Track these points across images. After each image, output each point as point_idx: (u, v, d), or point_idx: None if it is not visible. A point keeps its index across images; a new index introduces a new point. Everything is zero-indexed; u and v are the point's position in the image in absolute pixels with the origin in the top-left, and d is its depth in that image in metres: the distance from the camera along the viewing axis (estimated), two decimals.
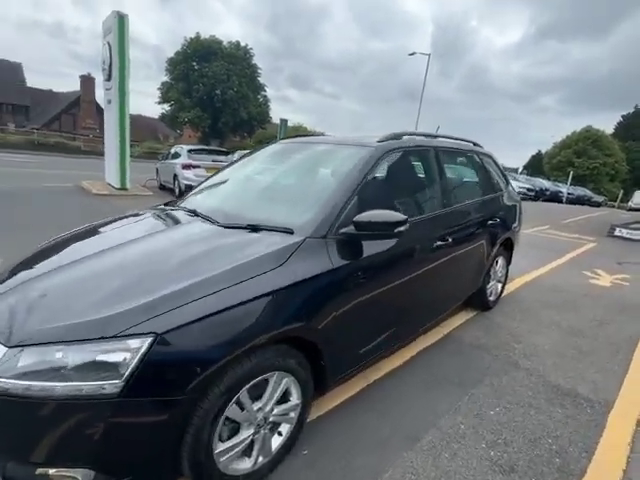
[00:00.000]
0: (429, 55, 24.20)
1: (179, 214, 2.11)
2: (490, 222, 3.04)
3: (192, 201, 2.39)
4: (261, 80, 42.24)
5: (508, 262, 3.68)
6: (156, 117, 42.34)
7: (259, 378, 1.44)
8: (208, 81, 37.51)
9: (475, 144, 3.40)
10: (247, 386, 1.40)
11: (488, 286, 3.38)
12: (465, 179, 3.19)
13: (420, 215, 2.27)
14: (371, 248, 1.84)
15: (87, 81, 34.98)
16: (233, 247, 1.63)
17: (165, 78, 39.49)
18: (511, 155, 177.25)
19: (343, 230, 1.74)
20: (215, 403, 1.30)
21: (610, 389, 2.38)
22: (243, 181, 2.53)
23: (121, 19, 9.76)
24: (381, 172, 2.19)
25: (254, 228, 1.75)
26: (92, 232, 2.11)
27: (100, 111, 38.88)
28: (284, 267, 1.52)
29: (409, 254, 2.12)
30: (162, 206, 2.44)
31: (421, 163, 2.51)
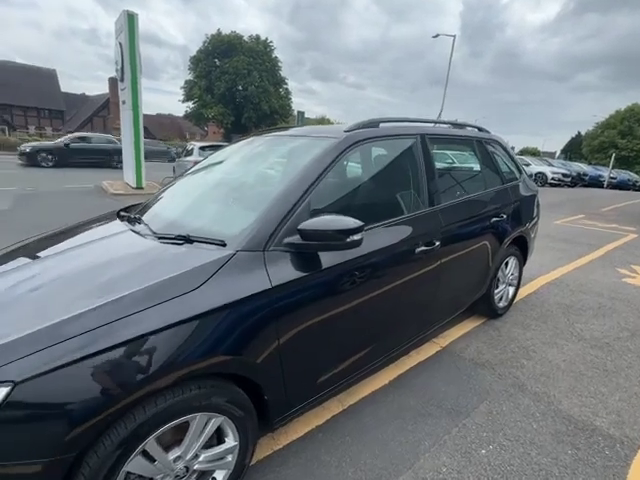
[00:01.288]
0: (454, 36, 23.25)
1: (117, 222, 1.90)
2: (496, 219, 2.63)
3: (148, 206, 2.18)
4: (282, 73, 42.08)
5: (522, 263, 3.24)
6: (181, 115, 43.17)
7: (172, 423, 1.20)
8: (229, 77, 37.78)
9: (480, 129, 2.97)
10: (155, 434, 1.16)
11: (496, 291, 2.98)
12: (463, 170, 2.79)
13: (397, 216, 1.93)
14: (330, 259, 1.55)
15: (115, 83, 35.97)
16: (151, 265, 1.38)
17: (189, 76, 40.20)
18: (550, 138, 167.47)
19: (288, 240, 1.46)
20: (107, 459, 1.07)
21: (638, 423, 1.96)
22: (195, 183, 2.28)
23: (131, 18, 9.76)
24: (347, 167, 1.88)
25: (186, 240, 1.50)
26: (44, 240, 1.94)
27: None
28: (204, 288, 1.26)
29: (381, 263, 1.80)
30: (121, 210, 2.24)
31: (403, 154, 2.16)
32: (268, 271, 1.39)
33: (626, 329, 2.97)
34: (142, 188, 9.92)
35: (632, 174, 24.98)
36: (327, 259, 1.54)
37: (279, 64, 41.69)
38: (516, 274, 3.19)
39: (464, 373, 2.36)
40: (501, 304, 3.09)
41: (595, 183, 21.26)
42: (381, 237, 1.79)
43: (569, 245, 5.65)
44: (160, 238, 1.56)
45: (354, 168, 2.01)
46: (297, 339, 1.48)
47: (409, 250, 1.93)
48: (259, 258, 1.40)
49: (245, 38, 39.61)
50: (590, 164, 30.59)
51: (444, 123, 2.72)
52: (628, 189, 21.70)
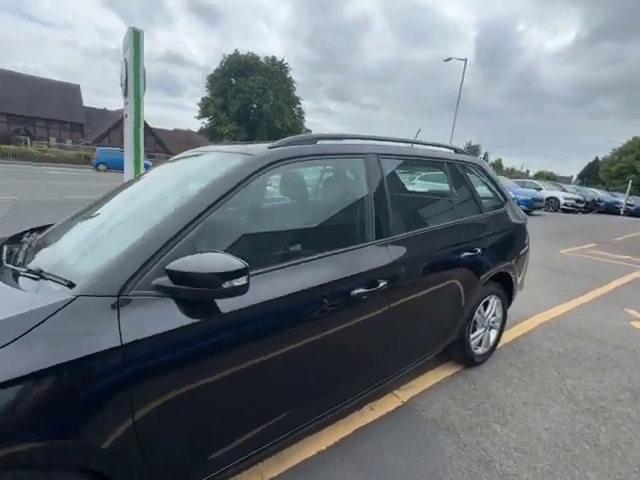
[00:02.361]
0: (465, 60, 23.50)
1: None
2: (468, 253, 2.26)
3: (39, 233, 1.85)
4: (296, 93, 42.98)
5: (507, 303, 2.83)
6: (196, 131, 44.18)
7: None
8: (244, 95, 38.73)
9: (457, 150, 2.64)
10: None
11: (473, 335, 2.57)
12: (429, 197, 2.44)
13: (327, 251, 1.59)
14: (227, 304, 1.22)
15: None
16: None
17: (206, 94, 41.39)
18: (566, 163, 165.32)
19: (157, 282, 1.14)
20: None
21: None
22: (91, 210, 1.90)
23: (136, 34, 9.85)
24: (266, 192, 1.56)
25: (41, 276, 1.19)
26: None
27: (146, 127, 41.47)
28: (18, 345, 0.94)
29: (298, 310, 1.45)
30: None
31: (344, 177, 1.84)
32: (121, 323, 1.06)
33: (628, 389, 2.49)
34: None
35: None
36: (224, 304, 1.22)
37: (293, 84, 42.66)
38: (499, 315, 2.78)
39: (421, 440, 1.95)
40: (480, 350, 2.67)
41: (611, 210, 20.45)
42: (301, 277, 1.45)
43: (573, 278, 5.16)
44: (19, 275, 1.26)
45: (276, 193, 1.69)
46: (164, 412, 1.13)
47: (341, 292, 1.58)
48: (109, 305, 1.07)
49: (261, 59, 40.73)
50: (608, 190, 29.72)
51: (413, 143, 2.39)
52: None
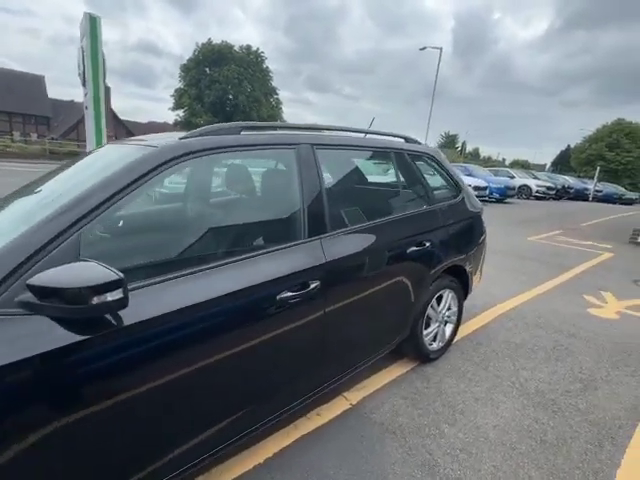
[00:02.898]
0: (440, 49, 23.64)
1: None
2: (415, 248, 2.16)
3: None
4: (274, 84, 42.21)
5: (463, 296, 2.77)
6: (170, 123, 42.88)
7: None
8: (220, 86, 37.76)
9: (409, 140, 2.53)
10: None
11: (427, 331, 2.50)
12: (372, 189, 2.33)
13: (247, 253, 1.45)
14: (113, 320, 1.06)
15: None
16: None
17: (179, 85, 40.13)
18: (541, 151, 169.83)
19: (20, 298, 0.97)
20: None
21: None
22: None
23: (93, 21, 9.29)
24: (174, 189, 1.40)
25: None
26: None
27: (117, 120, 39.89)
28: None
29: (210, 320, 1.30)
30: None
31: (270, 169, 1.69)
32: None
33: (579, 379, 2.48)
34: None
35: (619, 187, 24.99)
36: (114, 318, 1.06)
37: (270, 74, 41.83)
38: (454, 309, 2.72)
39: (367, 446, 1.86)
40: (434, 346, 2.61)
41: (581, 196, 21.11)
42: (212, 284, 1.31)
43: (538, 266, 5.21)
44: None
45: (190, 189, 1.53)
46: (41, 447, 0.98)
47: (264, 298, 1.44)
48: None
49: (236, 48, 39.66)
50: (579, 177, 30.64)
51: (360, 132, 2.26)
52: (614, 203, 21.57)
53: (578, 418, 2.10)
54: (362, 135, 2.23)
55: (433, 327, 2.56)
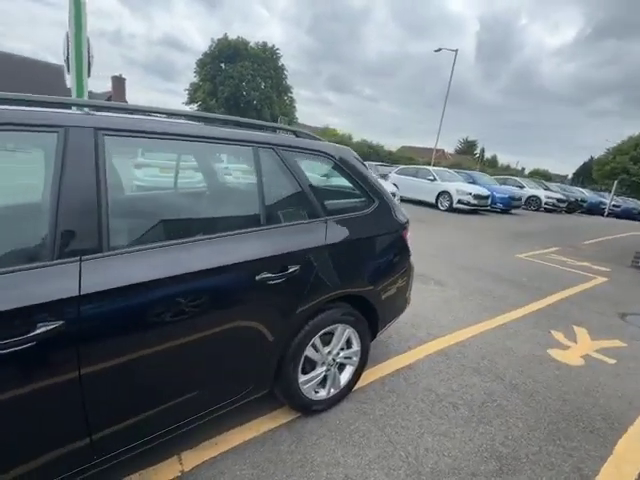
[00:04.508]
0: (456, 51, 23.08)
1: None
2: (270, 275, 1.63)
3: None
4: (290, 82, 42.03)
5: (369, 332, 2.22)
6: None
7: None
8: (234, 82, 37.71)
9: (299, 134, 2.01)
10: None
11: (307, 377, 1.97)
12: (203, 192, 1.82)
13: None
14: None
15: (118, 81, 36.36)
16: None
17: (195, 79, 40.33)
18: (563, 161, 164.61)
19: None
20: None
21: None
22: None
23: (77, 5, 9.05)
24: None
25: None
26: None
27: None
28: None
29: None
30: None
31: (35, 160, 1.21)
32: None
33: (497, 456, 1.90)
34: None
35: (639, 202, 23.55)
36: None
37: (285, 72, 41.56)
38: (356, 348, 2.18)
39: None
40: (322, 394, 2.08)
41: (595, 210, 19.92)
42: None
43: (511, 289, 4.57)
44: None
45: None
46: None
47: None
48: None
49: (252, 44, 39.55)
50: (600, 190, 29.17)
51: (276, 128, 1.76)
52: (633, 219, 20.23)
53: None
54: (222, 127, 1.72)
55: (319, 371, 2.03)
